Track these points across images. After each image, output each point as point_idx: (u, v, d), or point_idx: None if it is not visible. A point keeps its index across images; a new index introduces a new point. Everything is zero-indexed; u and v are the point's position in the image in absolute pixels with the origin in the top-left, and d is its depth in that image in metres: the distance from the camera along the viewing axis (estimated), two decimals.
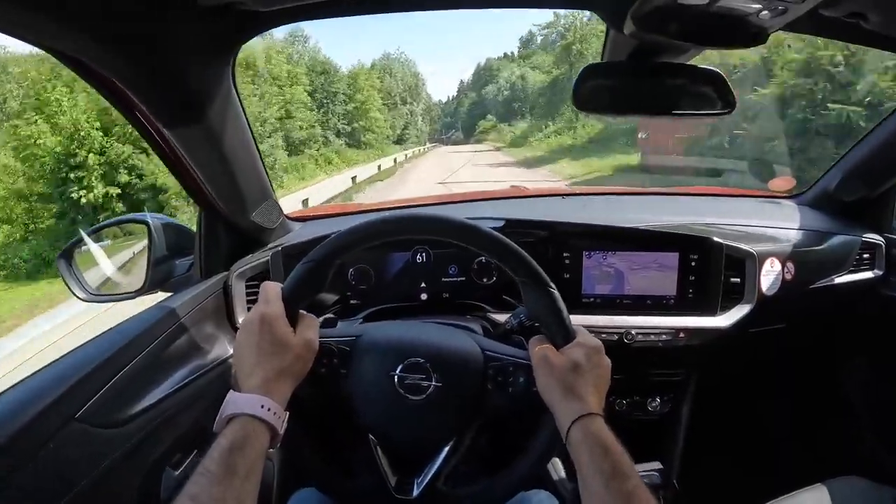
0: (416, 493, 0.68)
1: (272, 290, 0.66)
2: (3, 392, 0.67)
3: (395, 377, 0.67)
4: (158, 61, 0.66)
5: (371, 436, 0.70)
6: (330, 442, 0.82)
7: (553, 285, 0.66)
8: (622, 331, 1.05)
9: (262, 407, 0.57)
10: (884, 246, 1.25)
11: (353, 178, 17.94)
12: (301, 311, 0.67)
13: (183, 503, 0.49)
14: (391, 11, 0.78)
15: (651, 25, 0.73)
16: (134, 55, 0.64)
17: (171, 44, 0.66)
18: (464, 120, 71.20)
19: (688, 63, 0.89)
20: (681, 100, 0.89)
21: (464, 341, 0.73)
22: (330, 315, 0.81)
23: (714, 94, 0.88)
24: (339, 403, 0.70)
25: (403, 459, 0.71)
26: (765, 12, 0.68)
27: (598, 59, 0.92)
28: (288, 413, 0.60)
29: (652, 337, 1.06)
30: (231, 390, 0.60)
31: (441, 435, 0.69)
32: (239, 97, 0.86)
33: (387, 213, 0.70)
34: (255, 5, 0.66)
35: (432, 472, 0.68)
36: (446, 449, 0.69)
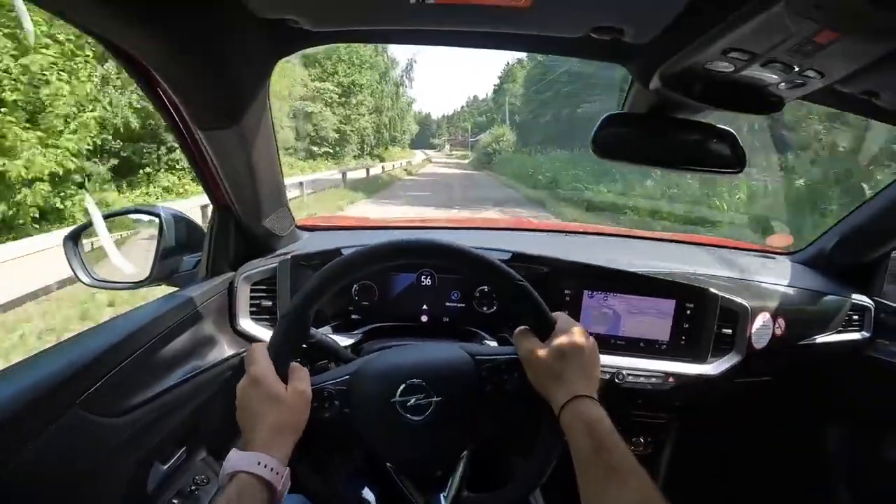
0: None
1: (258, 350, 0.67)
2: (10, 373, 0.68)
3: (397, 403, 0.69)
4: (207, 66, 0.68)
5: (388, 464, 0.71)
6: (330, 462, 0.83)
7: (523, 279, 0.69)
8: (614, 371, 1.07)
9: (259, 464, 0.58)
10: (873, 309, 1.28)
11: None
12: (292, 363, 0.68)
13: None
14: (432, 45, 0.80)
15: (677, 85, 0.76)
16: (185, 57, 0.66)
17: (222, 50, 0.67)
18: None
19: (704, 121, 0.92)
20: (694, 155, 0.92)
21: (453, 352, 0.74)
22: (327, 335, 0.82)
23: (727, 152, 0.91)
24: (349, 441, 0.71)
25: (423, 480, 0.72)
26: (783, 84, 0.72)
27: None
28: (288, 469, 0.61)
29: (641, 379, 1.08)
30: (233, 449, 0.61)
31: (454, 446, 0.71)
32: (270, 107, 0.88)
33: (344, 256, 0.71)
34: (307, 24, 0.68)
35: (455, 483, 0.69)
36: (464, 458, 0.70)
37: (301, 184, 13.47)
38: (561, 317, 0.70)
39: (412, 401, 0.69)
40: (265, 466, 0.58)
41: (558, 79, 27.12)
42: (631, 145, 0.91)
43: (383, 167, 23.81)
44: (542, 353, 0.66)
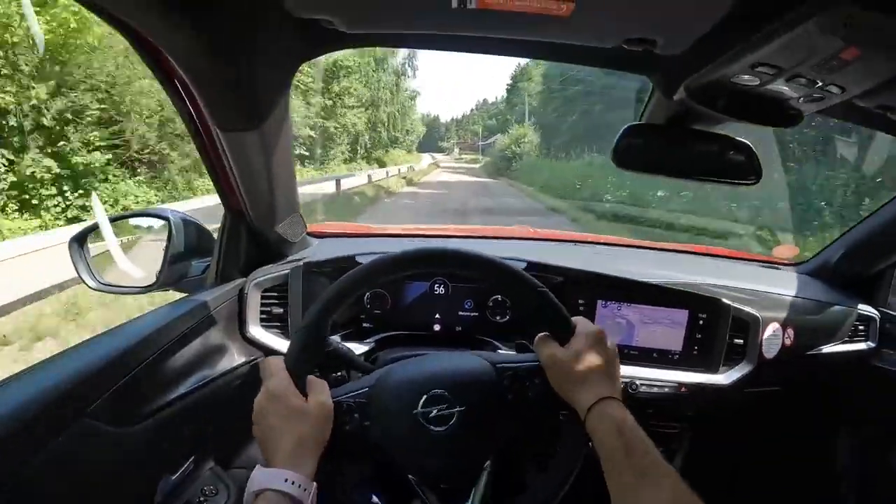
0: None
1: (274, 363, 0.66)
2: (15, 381, 0.66)
3: (419, 414, 0.68)
4: (235, 65, 0.67)
5: (410, 476, 0.70)
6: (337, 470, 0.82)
7: (541, 285, 0.69)
8: (627, 380, 1.07)
9: (287, 481, 0.56)
10: (878, 319, 1.30)
11: None
12: (309, 377, 0.67)
13: None
14: (465, 52, 0.80)
15: (702, 97, 0.77)
16: (212, 54, 0.64)
17: (252, 49, 0.66)
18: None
19: (721, 133, 0.93)
20: (712, 166, 0.93)
21: (474, 361, 0.73)
22: (338, 344, 0.81)
23: (744, 164, 0.92)
24: (373, 455, 0.70)
25: (445, 492, 0.72)
26: (804, 98, 0.72)
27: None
28: (315, 485, 0.60)
29: (655, 389, 1.08)
30: (258, 466, 0.59)
31: (478, 457, 0.70)
32: (290, 111, 0.87)
33: (364, 265, 0.70)
34: (341, 25, 0.67)
35: (479, 495, 0.69)
36: (486, 468, 0.70)
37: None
38: (580, 321, 0.71)
39: (434, 412, 0.68)
40: (292, 483, 0.57)
41: (585, 76, 22.95)
42: (651, 156, 0.92)
43: (370, 175, 18.01)
44: (563, 357, 0.66)
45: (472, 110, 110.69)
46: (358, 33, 0.71)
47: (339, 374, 0.82)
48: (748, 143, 0.92)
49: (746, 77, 0.68)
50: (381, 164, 28.10)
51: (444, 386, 0.69)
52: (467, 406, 0.68)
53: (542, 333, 0.70)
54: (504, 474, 0.75)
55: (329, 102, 22.83)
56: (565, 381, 0.66)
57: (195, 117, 0.80)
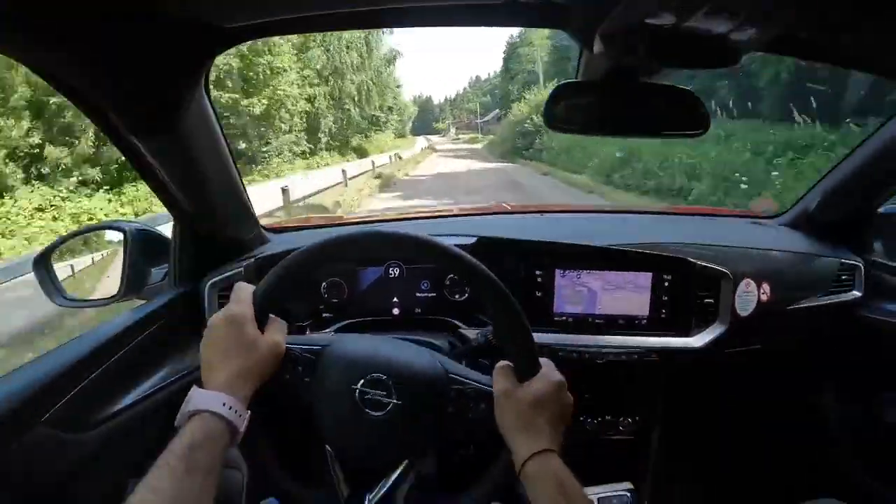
0: None
1: (244, 291, 0.68)
2: None
3: (357, 391, 0.67)
4: (126, 73, 0.66)
5: (328, 447, 0.70)
6: (293, 450, 0.81)
7: (523, 317, 0.66)
8: (594, 350, 1.04)
9: (224, 405, 0.58)
10: (863, 268, 1.24)
11: None
12: (271, 315, 0.68)
13: (143, 494, 0.50)
14: (360, 28, 0.78)
15: (620, 45, 0.73)
16: (101, 66, 0.64)
17: (138, 56, 0.65)
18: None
19: (661, 83, 0.89)
20: (654, 120, 0.89)
21: (429, 361, 0.72)
22: (303, 323, 0.81)
23: (688, 114, 0.88)
24: (300, 412, 0.70)
25: (359, 473, 0.71)
26: (735, 33, 0.68)
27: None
28: (249, 412, 0.61)
29: (624, 357, 1.05)
30: (195, 386, 0.60)
31: (397, 453, 0.69)
32: (214, 110, 0.86)
33: (369, 228, 0.70)
34: (219, 21, 0.66)
35: (385, 489, 0.68)
36: (401, 467, 0.68)
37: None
38: (547, 364, 0.68)
39: (372, 394, 0.67)
40: (230, 408, 0.58)
41: None
42: (587, 115, 0.88)
43: (344, 171, 13.80)
44: (518, 395, 0.64)
45: (465, 89, 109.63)
46: (240, 26, 0.70)
47: (305, 323, 0.80)
48: (691, 90, 0.88)
49: (660, 15, 0.64)
50: (362, 154, 23.83)
51: (390, 374, 0.68)
52: (405, 401, 0.67)
53: (505, 363, 0.68)
54: (430, 473, 0.73)
55: (252, 75, 15.92)
56: (511, 420, 0.63)
57: (112, 128, 0.80)
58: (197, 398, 0.58)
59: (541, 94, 22.54)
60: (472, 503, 0.67)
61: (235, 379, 0.61)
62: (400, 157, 23.52)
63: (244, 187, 1.06)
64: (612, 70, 0.87)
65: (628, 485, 1.04)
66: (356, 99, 25.05)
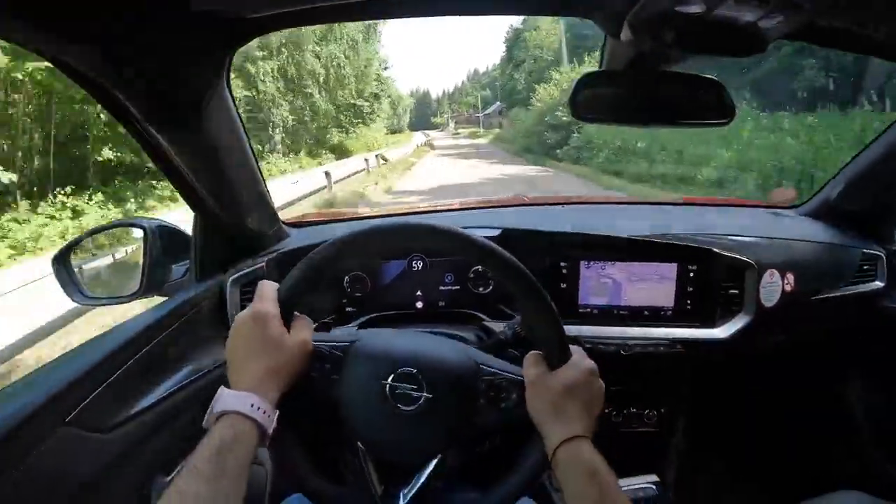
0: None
1: (268, 289, 0.67)
2: None
3: (387, 386, 0.67)
4: (149, 66, 0.66)
5: (359, 444, 0.70)
6: (320, 448, 0.81)
7: (553, 305, 0.65)
8: (619, 342, 1.03)
9: (252, 406, 0.57)
10: (885, 258, 1.23)
11: None
12: (296, 312, 0.67)
13: (171, 497, 0.50)
14: (381, 18, 0.77)
15: (648, 32, 0.73)
16: (125, 60, 0.64)
17: (162, 49, 0.65)
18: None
19: (687, 72, 0.88)
20: (680, 109, 0.88)
21: (458, 353, 0.72)
22: (326, 320, 0.80)
23: (714, 103, 0.87)
24: (329, 409, 0.70)
25: (391, 469, 0.70)
26: (763, 21, 0.68)
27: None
28: (278, 412, 0.60)
29: (650, 348, 1.04)
30: (222, 387, 0.60)
31: (430, 447, 0.68)
32: (235, 103, 0.86)
33: (393, 221, 0.69)
34: (244, 12, 0.66)
35: (419, 483, 0.67)
36: (435, 461, 0.68)
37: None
38: (577, 351, 0.68)
39: (402, 389, 0.66)
40: (258, 409, 0.57)
41: None
42: (612, 104, 0.88)
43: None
44: (549, 383, 0.64)
45: (463, 82, 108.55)
46: (265, 16, 0.69)
47: (328, 319, 0.80)
48: (717, 79, 0.87)
49: (691, 4, 0.64)
50: (342, 154, 19.44)
51: (419, 367, 0.67)
52: (436, 395, 0.66)
53: (535, 352, 0.68)
54: (464, 465, 0.73)
55: None
56: (543, 407, 0.63)
57: (133, 123, 0.80)
58: (224, 399, 0.58)
59: (573, 72, 18.02)
60: (505, 495, 0.67)
61: (263, 379, 0.60)
62: (384, 159, 16.88)
63: (265, 182, 1.06)
64: (636, 59, 0.86)
65: (653, 477, 1.03)
66: (323, 80, 18.47)
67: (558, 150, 15.89)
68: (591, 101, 0.87)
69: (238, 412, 0.56)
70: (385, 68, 31.79)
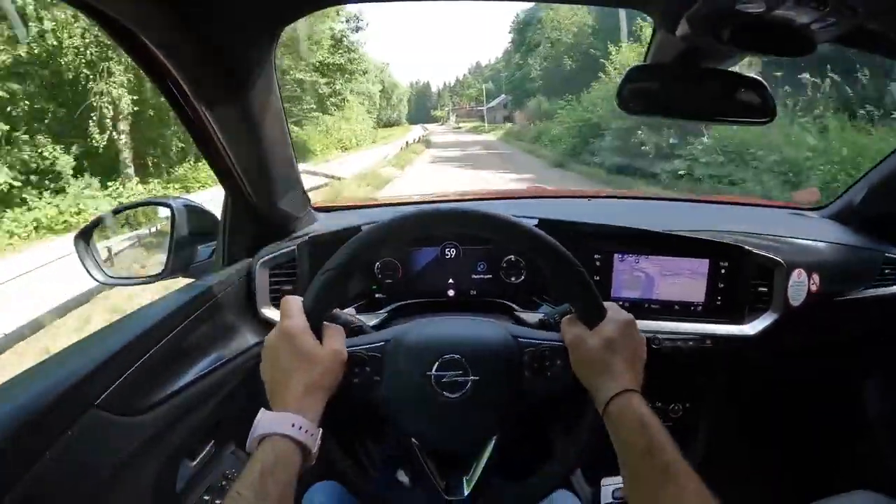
0: (467, 491, 0.67)
1: (293, 303, 0.65)
2: (22, 377, 0.66)
3: (432, 377, 0.66)
4: (203, 37, 0.65)
5: (413, 440, 0.69)
6: (363, 448, 0.80)
7: (580, 265, 0.66)
8: (650, 335, 1.04)
9: (294, 426, 0.56)
10: None
11: None
12: (325, 322, 0.66)
13: None
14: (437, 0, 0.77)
15: (705, 29, 0.73)
16: (179, 29, 0.63)
17: (217, 19, 0.64)
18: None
19: (732, 70, 0.89)
20: (724, 106, 0.89)
21: (496, 331, 0.71)
22: (356, 324, 0.79)
23: (757, 102, 0.88)
24: (375, 411, 0.69)
25: (446, 460, 0.70)
26: (817, 24, 0.69)
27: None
28: (321, 430, 0.59)
29: (679, 343, 1.05)
30: (262, 409, 0.58)
31: (485, 429, 0.68)
32: (278, 81, 0.85)
33: (399, 214, 0.68)
34: None
35: (481, 467, 0.67)
36: (492, 443, 0.68)
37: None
38: (612, 307, 0.68)
39: (448, 377, 0.66)
40: (299, 428, 0.56)
41: None
42: (658, 98, 0.88)
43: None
44: (590, 342, 0.64)
45: (465, 75, 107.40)
46: None
47: (357, 325, 0.80)
48: (760, 79, 0.88)
49: (752, 3, 0.64)
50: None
51: (462, 352, 0.67)
52: (482, 376, 0.66)
53: (571, 315, 0.68)
54: (521, 441, 0.73)
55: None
56: (588, 366, 0.64)
57: (177, 95, 0.78)
58: (264, 422, 0.56)
59: (630, 50, 13.62)
60: (565, 460, 0.67)
61: (303, 396, 0.58)
62: (337, 179, 11.83)
63: (296, 164, 1.05)
64: (683, 54, 0.87)
65: None
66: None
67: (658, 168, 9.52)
68: (636, 93, 0.88)
69: (279, 433, 0.55)
70: (356, 29, 21.87)
